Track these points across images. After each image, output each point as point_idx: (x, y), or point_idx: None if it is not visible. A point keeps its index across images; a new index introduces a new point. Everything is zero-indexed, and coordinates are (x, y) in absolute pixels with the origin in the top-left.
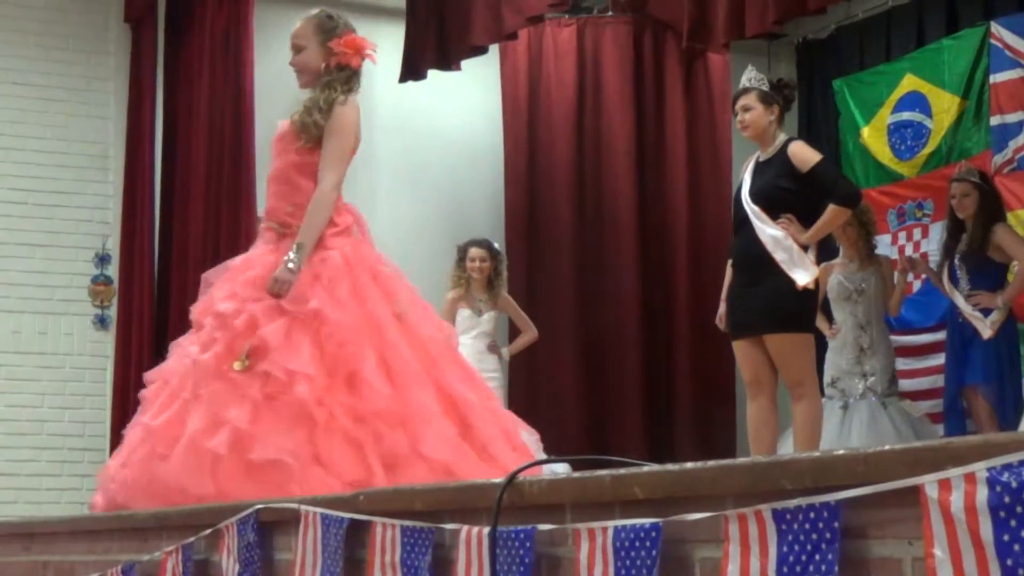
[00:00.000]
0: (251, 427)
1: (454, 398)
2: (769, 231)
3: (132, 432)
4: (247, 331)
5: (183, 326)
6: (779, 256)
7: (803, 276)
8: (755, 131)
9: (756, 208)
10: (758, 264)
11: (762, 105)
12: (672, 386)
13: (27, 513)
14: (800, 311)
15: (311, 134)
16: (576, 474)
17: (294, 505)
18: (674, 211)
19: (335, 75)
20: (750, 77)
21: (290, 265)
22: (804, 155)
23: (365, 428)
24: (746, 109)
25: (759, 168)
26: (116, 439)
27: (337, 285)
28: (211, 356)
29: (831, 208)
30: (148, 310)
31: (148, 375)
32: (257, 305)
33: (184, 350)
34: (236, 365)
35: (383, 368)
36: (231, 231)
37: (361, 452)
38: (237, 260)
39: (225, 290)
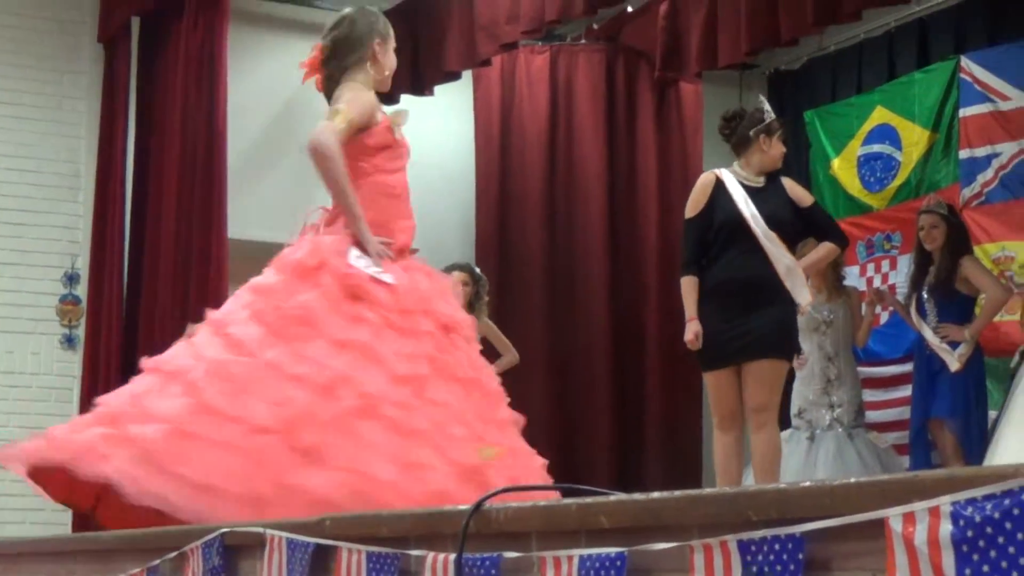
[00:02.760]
0: None
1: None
2: (786, 260)
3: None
4: None
5: (152, 346)
6: (788, 283)
7: (804, 299)
8: None
9: (772, 234)
10: (760, 289)
11: None
12: (641, 411)
13: None
14: (789, 338)
15: None
16: (542, 502)
17: (259, 529)
18: (644, 239)
19: None
20: None
21: None
22: (801, 193)
23: None
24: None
25: (755, 193)
26: None
27: None
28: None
29: (827, 246)
30: (117, 330)
31: None
32: None
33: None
34: None
35: None
36: (202, 252)
37: None
38: None
39: None
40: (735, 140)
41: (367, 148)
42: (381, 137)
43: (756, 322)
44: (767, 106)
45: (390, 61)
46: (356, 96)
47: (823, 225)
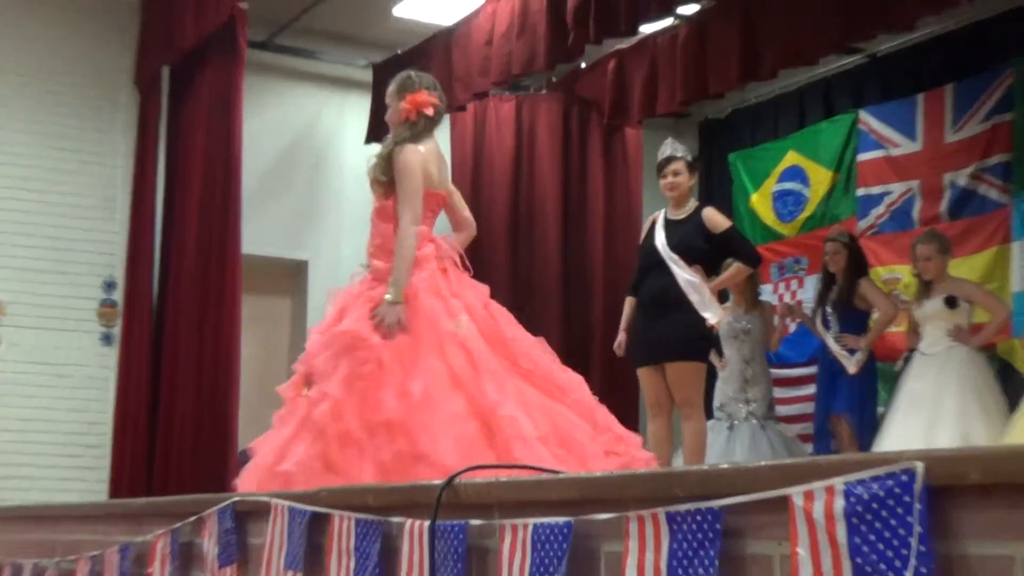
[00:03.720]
0: (287, 443)
1: (482, 406)
2: (686, 276)
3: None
4: (308, 361)
5: (177, 344)
6: (693, 298)
7: (713, 316)
8: (680, 193)
9: (676, 257)
10: (667, 302)
11: (687, 171)
12: None
13: (39, 499)
14: (699, 344)
15: (376, 188)
16: (503, 478)
17: (265, 498)
18: (592, 261)
19: (401, 130)
20: (676, 147)
21: (387, 297)
22: (716, 220)
23: (372, 436)
24: (676, 173)
25: (672, 225)
26: (118, 439)
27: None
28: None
29: (737, 266)
30: (147, 329)
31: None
32: (322, 337)
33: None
34: (303, 391)
35: (411, 381)
36: (219, 265)
37: (364, 455)
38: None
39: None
40: None
41: None
42: None
43: (666, 329)
44: (669, 146)
45: None
46: None
47: (735, 247)
